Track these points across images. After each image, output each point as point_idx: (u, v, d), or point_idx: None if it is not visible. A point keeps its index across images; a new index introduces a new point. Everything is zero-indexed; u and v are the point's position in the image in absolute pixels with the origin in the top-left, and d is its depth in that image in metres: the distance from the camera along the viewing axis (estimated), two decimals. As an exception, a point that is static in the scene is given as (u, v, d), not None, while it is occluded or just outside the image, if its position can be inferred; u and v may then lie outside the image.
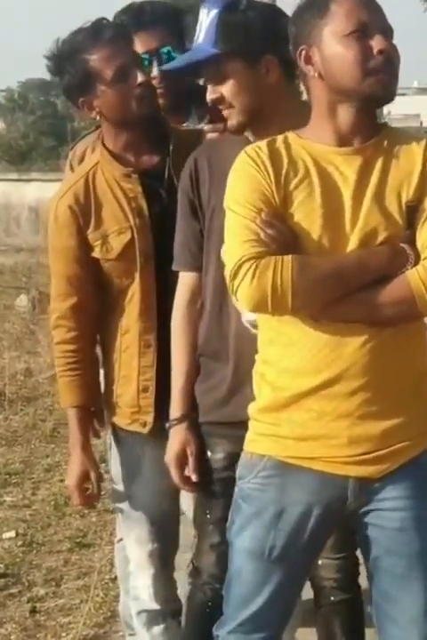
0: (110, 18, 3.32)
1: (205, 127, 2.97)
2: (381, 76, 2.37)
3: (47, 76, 3.28)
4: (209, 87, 2.75)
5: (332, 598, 2.91)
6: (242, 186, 2.43)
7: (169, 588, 3.29)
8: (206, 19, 2.73)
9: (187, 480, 2.92)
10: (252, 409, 2.55)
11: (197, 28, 2.77)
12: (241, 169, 2.45)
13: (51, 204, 3.16)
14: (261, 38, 2.70)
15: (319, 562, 2.87)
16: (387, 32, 2.41)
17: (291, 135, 2.47)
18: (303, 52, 2.43)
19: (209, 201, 2.78)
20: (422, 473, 2.48)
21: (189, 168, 2.86)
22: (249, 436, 2.55)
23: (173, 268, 2.93)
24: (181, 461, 2.90)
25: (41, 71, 3.21)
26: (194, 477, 2.89)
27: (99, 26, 3.07)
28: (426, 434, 2.51)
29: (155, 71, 3.36)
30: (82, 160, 3.41)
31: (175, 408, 2.90)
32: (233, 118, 2.73)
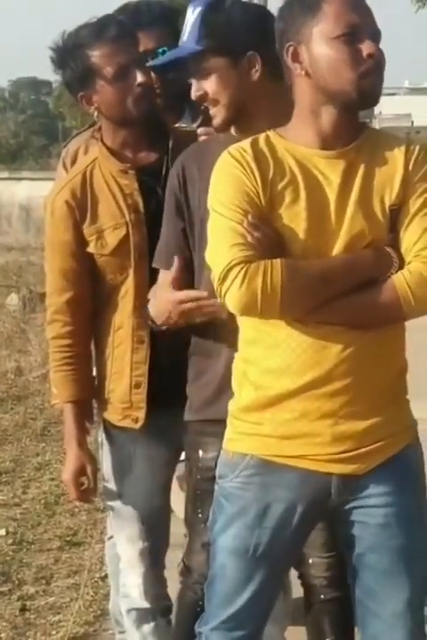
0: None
1: (199, 130, 2.98)
2: (369, 79, 2.38)
3: (38, 75, 3.32)
4: (193, 84, 2.77)
5: (322, 596, 2.91)
6: (227, 187, 2.42)
7: (159, 587, 3.29)
8: (191, 17, 2.76)
9: None
10: (232, 407, 2.55)
11: (184, 27, 2.80)
12: (225, 170, 2.44)
13: (48, 199, 3.18)
14: (245, 35, 2.71)
15: (310, 560, 2.88)
16: (376, 35, 2.41)
17: (273, 135, 2.47)
18: (291, 49, 2.41)
19: (200, 203, 2.77)
20: (404, 469, 2.50)
21: (177, 169, 2.86)
22: (229, 434, 2.55)
23: (153, 265, 2.93)
24: None
25: (32, 70, 3.22)
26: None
27: (104, 23, 3.09)
28: (406, 431, 2.53)
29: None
30: (75, 158, 3.42)
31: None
32: (218, 115, 2.75)
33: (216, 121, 2.76)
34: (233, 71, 2.73)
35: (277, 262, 2.33)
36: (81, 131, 3.64)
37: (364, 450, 2.44)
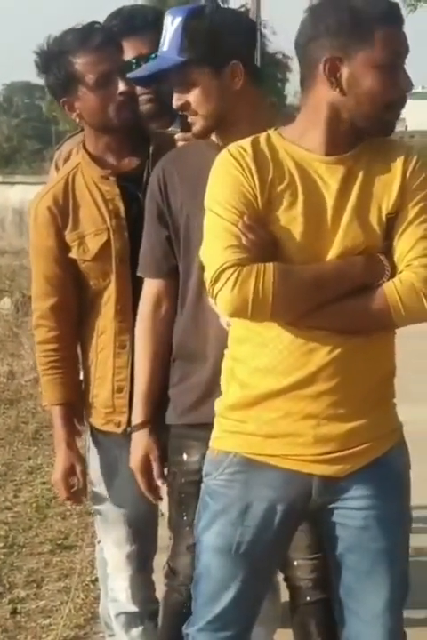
0: (101, 20, 3.34)
1: (176, 135, 2.98)
2: (396, 111, 2.42)
3: (32, 79, 3.31)
4: (175, 94, 2.76)
5: (308, 598, 2.92)
6: (224, 186, 2.42)
7: (147, 590, 3.31)
8: (171, 26, 2.73)
9: (152, 487, 2.95)
10: (219, 406, 2.58)
11: (162, 35, 2.77)
12: (223, 169, 2.44)
13: (32, 204, 3.20)
14: (227, 44, 2.70)
15: (295, 562, 2.89)
16: (405, 59, 2.43)
17: (274, 135, 2.46)
18: (330, 62, 2.38)
19: (182, 208, 2.78)
20: (386, 473, 2.51)
21: (157, 175, 2.86)
22: (215, 433, 2.58)
23: (138, 273, 2.94)
24: (146, 467, 2.93)
25: (26, 74, 3.23)
26: (159, 482, 2.93)
27: (89, 30, 3.09)
28: (389, 435, 2.55)
29: None
30: (68, 160, 3.43)
31: (137, 414, 2.93)
32: (198, 124, 2.75)
33: (196, 128, 2.77)
34: (216, 81, 2.72)
35: (270, 266, 2.34)
36: (74, 133, 3.65)
37: (346, 452, 2.46)
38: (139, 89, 3.30)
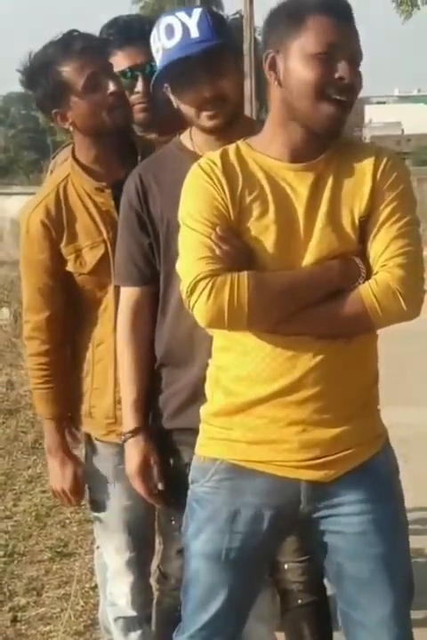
0: (97, 32, 3.35)
1: (158, 138, 2.96)
2: (333, 103, 2.37)
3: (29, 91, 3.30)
4: (208, 83, 2.69)
5: (299, 601, 2.93)
6: (196, 200, 2.45)
7: (146, 595, 3.32)
8: (191, 19, 2.69)
9: (152, 492, 2.93)
10: (204, 413, 2.59)
11: (179, 29, 2.70)
12: (194, 182, 2.47)
13: (22, 216, 3.18)
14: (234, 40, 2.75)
15: (285, 566, 2.91)
16: (355, 58, 2.40)
17: (243, 146, 2.49)
18: (269, 57, 2.43)
19: (162, 216, 2.78)
20: (374, 477, 2.52)
21: (134, 182, 2.85)
22: (200, 440, 2.59)
23: (115, 282, 2.94)
24: (145, 472, 2.91)
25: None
26: (160, 486, 2.91)
27: (69, 38, 3.09)
28: (375, 440, 2.55)
29: (139, 86, 3.37)
30: None
31: (129, 421, 2.91)
32: (222, 117, 2.72)
33: (220, 121, 2.72)
34: (239, 71, 2.76)
35: (244, 275, 2.36)
36: (69, 143, 3.65)
37: (332, 457, 2.46)
38: (133, 98, 3.31)
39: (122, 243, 2.90)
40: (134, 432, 2.91)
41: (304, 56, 2.37)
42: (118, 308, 2.93)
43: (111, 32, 3.46)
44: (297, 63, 2.38)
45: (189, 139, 2.83)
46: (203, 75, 2.70)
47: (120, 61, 3.34)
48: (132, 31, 3.47)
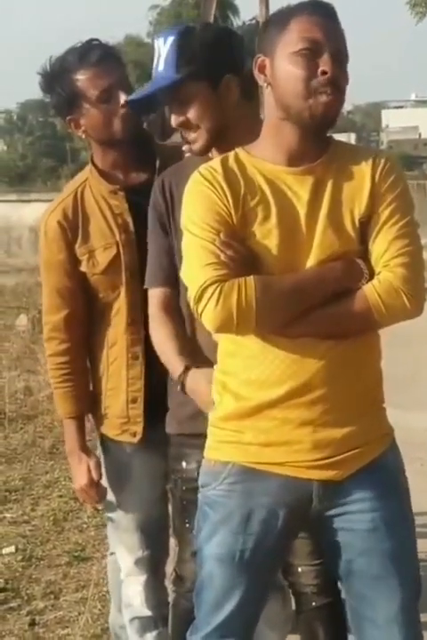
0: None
1: (184, 147, 3.05)
2: (320, 97, 2.41)
3: (46, 97, 3.36)
4: (174, 114, 2.80)
5: (313, 603, 2.94)
6: (199, 207, 2.48)
7: (160, 595, 3.35)
8: (164, 47, 2.77)
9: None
10: (212, 417, 2.61)
11: (155, 58, 2.81)
12: (196, 189, 2.50)
13: (42, 219, 3.26)
14: (220, 58, 2.76)
15: (299, 569, 2.92)
16: (338, 55, 2.44)
17: (241, 152, 2.53)
18: (258, 61, 2.49)
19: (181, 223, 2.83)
20: (383, 475, 2.55)
21: (160, 187, 2.91)
22: (210, 443, 2.61)
23: (146, 285, 2.96)
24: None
25: (40, 92, 3.29)
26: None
27: (87, 47, 3.16)
28: (383, 437, 2.59)
29: None
30: None
31: (177, 365, 2.81)
32: (198, 141, 2.80)
33: (197, 146, 2.80)
34: (213, 95, 2.77)
35: (251, 279, 2.39)
36: (87, 150, 3.69)
37: (342, 456, 2.49)
38: None
39: (150, 246, 2.95)
40: (186, 370, 2.80)
41: (288, 54, 2.43)
42: (149, 312, 2.94)
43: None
44: (282, 62, 2.45)
45: None
46: (167, 107, 2.83)
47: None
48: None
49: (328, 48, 2.42)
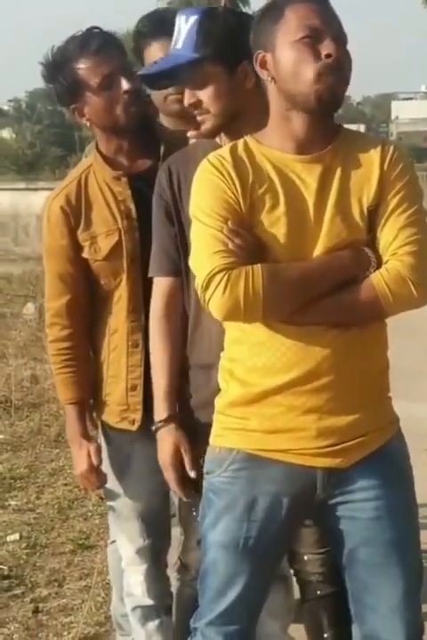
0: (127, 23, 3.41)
1: (189, 133, 3.03)
2: (327, 80, 2.41)
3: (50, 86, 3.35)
4: (187, 92, 2.79)
5: (318, 592, 2.95)
6: (207, 195, 2.47)
7: (162, 584, 3.36)
8: (185, 25, 2.77)
9: (183, 482, 2.90)
10: (219, 404, 2.61)
11: (175, 35, 2.80)
12: (205, 177, 2.50)
13: (45, 204, 3.26)
14: (240, 45, 2.73)
15: (305, 557, 2.93)
16: (339, 38, 2.45)
17: (251, 141, 2.53)
18: (259, 57, 2.49)
19: (188, 210, 2.78)
20: (388, 464, 2.55)
21: (165, 174, 2.89)
22: (215, 430, 2.61)
23: (150, 274, 2.96)
24: (178, 461, 2.89)
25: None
26: (192, 474, 2.86)
27: (88, 36, 3.16)
28: (388, 426, 2.59)
29: None
30: None
31: (161, 410, 2.91)
32: (208, 122, 2.78)
33: (206, 127, 2.79)
34: (228, 80, 2.76)
35: (258, 267, 2.39)
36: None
37: (347, 444, 2.49)
38: (168, 89, 3.30)
39: (155, 234, 2.93)
40: (167, 420, 2.89)
41: (290, 44, 2.43)
42: (151, 304, 2.95)
43: (146, 22, 3.50)
44: (285, 52, 2.44)
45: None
46: (181, 85, 2.81)
47: (154, 52, 3.36)
48: (167, 23, 3.50)
49: (328, 32, 2.42)
